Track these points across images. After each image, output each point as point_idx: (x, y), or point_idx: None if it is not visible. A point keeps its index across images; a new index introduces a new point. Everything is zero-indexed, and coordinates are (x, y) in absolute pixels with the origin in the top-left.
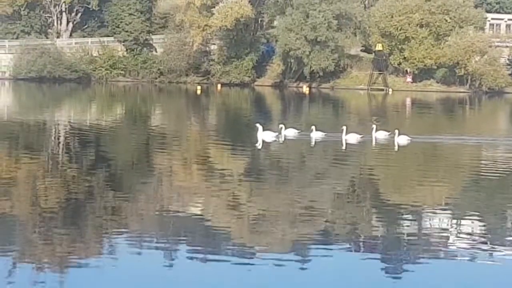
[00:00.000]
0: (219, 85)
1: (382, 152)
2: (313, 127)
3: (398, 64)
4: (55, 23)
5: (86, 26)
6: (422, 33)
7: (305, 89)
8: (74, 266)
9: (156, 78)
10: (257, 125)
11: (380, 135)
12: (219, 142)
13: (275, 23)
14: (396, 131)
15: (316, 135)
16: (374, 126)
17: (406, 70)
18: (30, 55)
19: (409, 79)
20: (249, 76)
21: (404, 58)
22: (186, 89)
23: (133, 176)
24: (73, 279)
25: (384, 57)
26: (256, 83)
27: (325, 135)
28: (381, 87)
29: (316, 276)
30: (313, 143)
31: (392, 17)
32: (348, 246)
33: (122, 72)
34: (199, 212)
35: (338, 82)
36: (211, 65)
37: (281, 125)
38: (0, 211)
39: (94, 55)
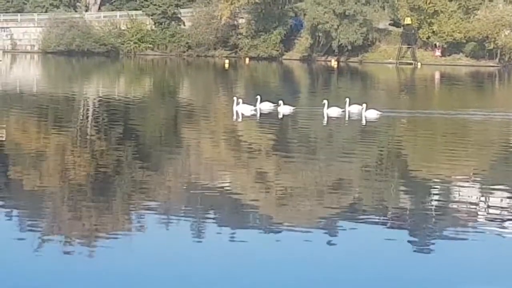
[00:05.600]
0: (247, 59)
1: (350, 126)
2: (280, 101)
3: (427, 38)
4: None
5: (114, 0)
6: (451, 6)
7: (333, 63)
8: (102, 239)
9: (184, 52)
10: (235, 98)
11: (354, 109)
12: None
13: None
14: (364, 105)
15: (283, 109)
16: (347, 100)
17: (435, 44)
18: (59, 28)
19: (438, 53)
20: (277, 50)
21: (433, 32)
22: (214, 63)
23: (161, 150)
24: (101, 252)
25: (413, 31)
26: (284, 57)
27: (293, 109)
28: (409, 61)
29: (343, 251)
30: (280, 116)
31: None
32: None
33: (151, 45)
34: (227, 186)
35: (367, 56)
36: (239, 38)
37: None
38: (29, 184)
39: (123, 28)
